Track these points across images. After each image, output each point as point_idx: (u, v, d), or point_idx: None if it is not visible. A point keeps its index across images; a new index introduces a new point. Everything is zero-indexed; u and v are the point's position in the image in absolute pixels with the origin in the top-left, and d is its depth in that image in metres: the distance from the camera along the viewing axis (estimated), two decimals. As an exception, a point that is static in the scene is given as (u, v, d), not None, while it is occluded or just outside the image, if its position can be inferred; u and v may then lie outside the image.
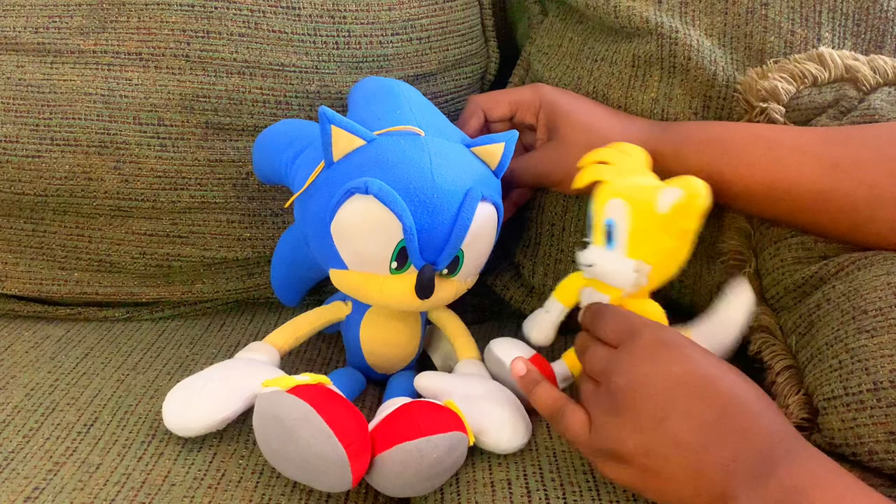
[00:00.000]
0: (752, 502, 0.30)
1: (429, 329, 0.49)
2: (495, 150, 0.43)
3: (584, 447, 0.36)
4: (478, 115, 0.50)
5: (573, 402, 0.37)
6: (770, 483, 0.29)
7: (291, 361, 0.51)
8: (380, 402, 0.45)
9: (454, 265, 0.41)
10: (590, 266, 0.40)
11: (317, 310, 0.47)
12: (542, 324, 0.46)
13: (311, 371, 0.40)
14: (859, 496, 0.28)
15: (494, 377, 0.46)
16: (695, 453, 0.32)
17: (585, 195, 0.53)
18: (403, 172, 0.38)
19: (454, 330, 0.47)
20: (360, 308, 0.45)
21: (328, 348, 0.53)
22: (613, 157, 0.41)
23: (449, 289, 0.42)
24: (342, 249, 0.40)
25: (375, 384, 0.49)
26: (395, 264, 0.39)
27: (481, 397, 0.40)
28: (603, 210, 0.39)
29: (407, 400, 0.40)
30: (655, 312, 0.41)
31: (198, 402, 0.38)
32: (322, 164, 0.41)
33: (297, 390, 0.36)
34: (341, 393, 0.38)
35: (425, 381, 0.42)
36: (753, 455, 0.31)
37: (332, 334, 0.53)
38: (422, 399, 0.40)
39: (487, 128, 0.51)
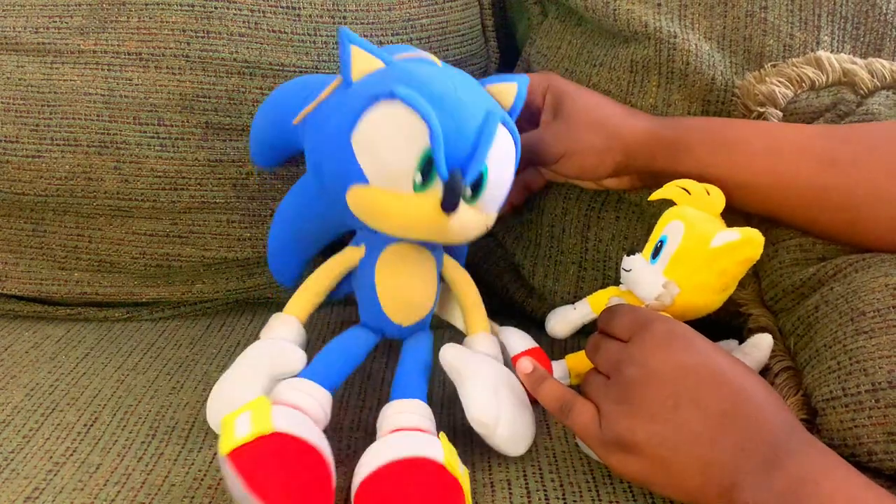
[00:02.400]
0: (759, 493, 0.30)
1: (443, 290, 0.47)
2: (509, 89, 0.43)
3: (593, 440, 0.35)
4: None
5: (580, 396, 0.37)
6: (778, 474, 0.30)
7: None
8: (387, 398, 0.42)
9: (478, 185, 0.40)
10: (628, 271, 0.42)
11: (328, 262, 0.45)
12: (565, 318, 0.47)
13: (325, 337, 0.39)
14: (863, 489, 0.29)
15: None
16: (705, 443, 0.32)
17: (585, 196, 0.54)
18: (428, 85, 0.38)
19: (467, 296, 0.46)
20: (374, 248, 0.44)
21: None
22: (696, 190, 0.42)
23: (472, 216, 0.40)
24: (363, 160, 0.38)
25: (390, 344, 0.48)
26: (419, 177, 0.38)
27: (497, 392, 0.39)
28: (663, 228, 0.41)
29: (401, 438, 0.36)
30: None
31: (236, 396, 0.38)
32: (337, 80, 0.40)
33: (237, 453, 0.31)
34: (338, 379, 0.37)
35: (451, 357, 0.40)
36: (761, 446, 0.31)
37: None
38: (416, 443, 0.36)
39: None
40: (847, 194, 0.40)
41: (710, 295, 0.40)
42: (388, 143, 0.38)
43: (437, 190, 0.38)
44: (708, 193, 0.42)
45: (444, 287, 0.47)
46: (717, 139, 0.43)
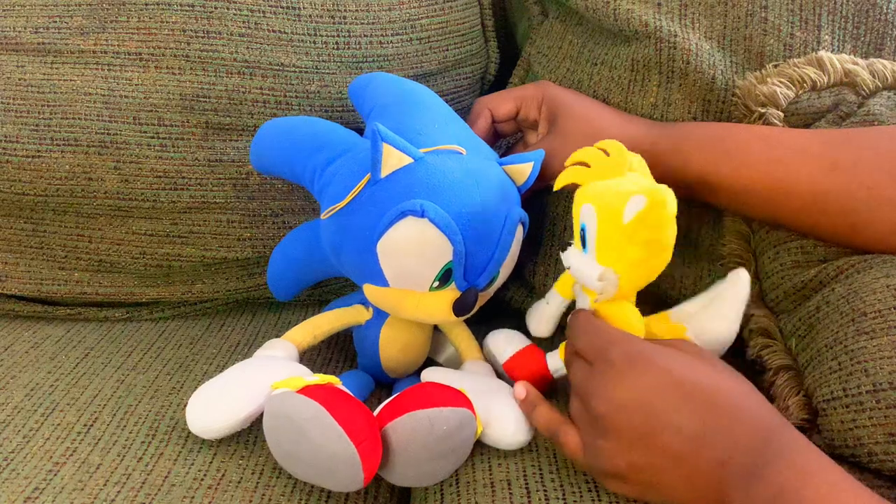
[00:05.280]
0: (746, 503, 0.30)
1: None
2: (524, 169, 0.44)
3: (582, 466, 0.37)
4: (484, 115, 0.51)
5: (566, 422, 0.37)
6: (759, 484, 0.30)
7: (307, 361, 0.50)
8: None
9: (489, 283, 0.42)
10: (568, 267, 0.40)
11: (338, 311, 0.47)
12: (542, 315, 0.47)
13: (319, 373, 0.40)
14: (848, 492, 0.29)
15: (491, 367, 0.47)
16: (687, 461, 0.32)
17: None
18: (454, 196, 0.39)
19: (459, 333, 0.48)
20: (381, 313, 0.46)
21: (343, 349, 0.53)
22: (593, 158, 0.40)
23: (479, 302, 0.43)
24: (386, 267, 0.40)
25: (382, 388, 0.49)
26: (436, 283, 0.40)
27: (487, 391, 0.41)
28: (577, 214, 0.39)
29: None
30: (630, 319, 0.40)
31: (219, 402, 0.39)
32: (366, 178, 0.40)
33: (307, 390, 0.36)
34: (351, 393, 0.38)
35: (432, 375, 0.42)
36: (743, 454, 0.31)
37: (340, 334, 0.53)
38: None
39: (493, 128, 0.52)
40: (848, 198, 0.39)
41: (648, 263, 0.38)
42: (413, 257, 0.39)
43: (451, 290, 0.41)
44: (607, 153, 0.39)
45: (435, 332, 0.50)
46: (716, 146, 0.43)
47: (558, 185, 0.42)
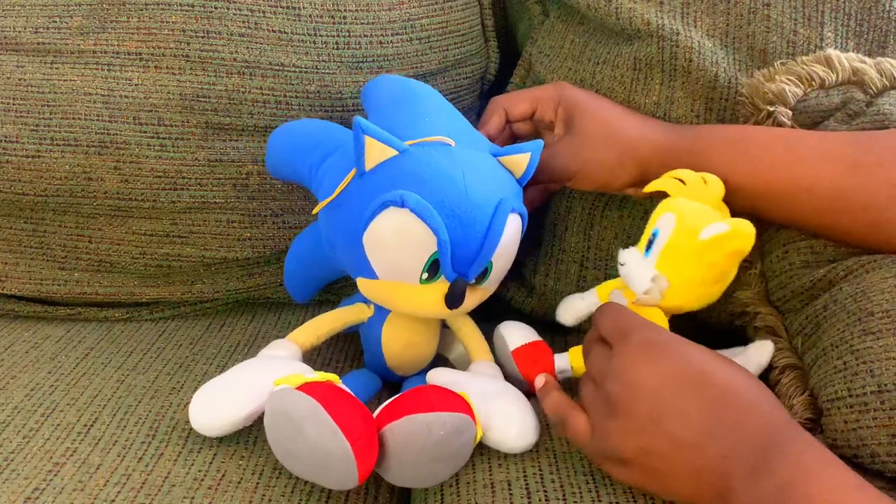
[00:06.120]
0: (750, 497, 0.30)
1: (442, 330, 0.49)
2: (521, 160, 0.43)
3: (587, 452, 0.36)
4: (499, 113, 0.50)
5: (576, 407, 0.37)
6: (766, 478, 0.29)
7: (311, 362, 0.50)
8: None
9: (482, 276, 0.42)
10: (622, 264, 0.41)
11: (339, 310, 0.47)
12: (573, 307, 0.48)
13: (327, 371, 0.40)
14: (853, 488, 0.29)
15: (497, 356, 0.47)
16: (692, 450, 0.32)
17: (589, 194, 0.53)
18: (438, 186, 0.39)
19: (468, 332, 0.47)
20: (382, 310, 0.46)
21: (343, 349, 0.53)
22: (692, 180, 0.42)
23: (475, 297, 0.43)
24: (374, 259, 0.40)
25: (390, 387, 0.49)
26: (426, 275, 0.40)
27: (492, 394, 0.41)
28: (656, 220, 0.41)
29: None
30: (658, 322, 0.40)
31: (221, 400, 0.39)
32: (353, 172, 0.40)
33: (305, 387, 0.36)
34: (350, 391, 0.38)
35: (438, 376, 0.42)
36: (749, 449, 0.31)
37: (348, 335, 0.53)
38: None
39: (509, 127, 0.51)
40: (871, 195, 0.39)
41: (700, 287, 0.39)
42: (397, 248, 0.39)
43: (443, 282, 0.40)
44: (705, 182, 0.41)
45: (445, 329, 0.49)
46: (735, 148, 0.43)
47: (650, 188, 0.43)
